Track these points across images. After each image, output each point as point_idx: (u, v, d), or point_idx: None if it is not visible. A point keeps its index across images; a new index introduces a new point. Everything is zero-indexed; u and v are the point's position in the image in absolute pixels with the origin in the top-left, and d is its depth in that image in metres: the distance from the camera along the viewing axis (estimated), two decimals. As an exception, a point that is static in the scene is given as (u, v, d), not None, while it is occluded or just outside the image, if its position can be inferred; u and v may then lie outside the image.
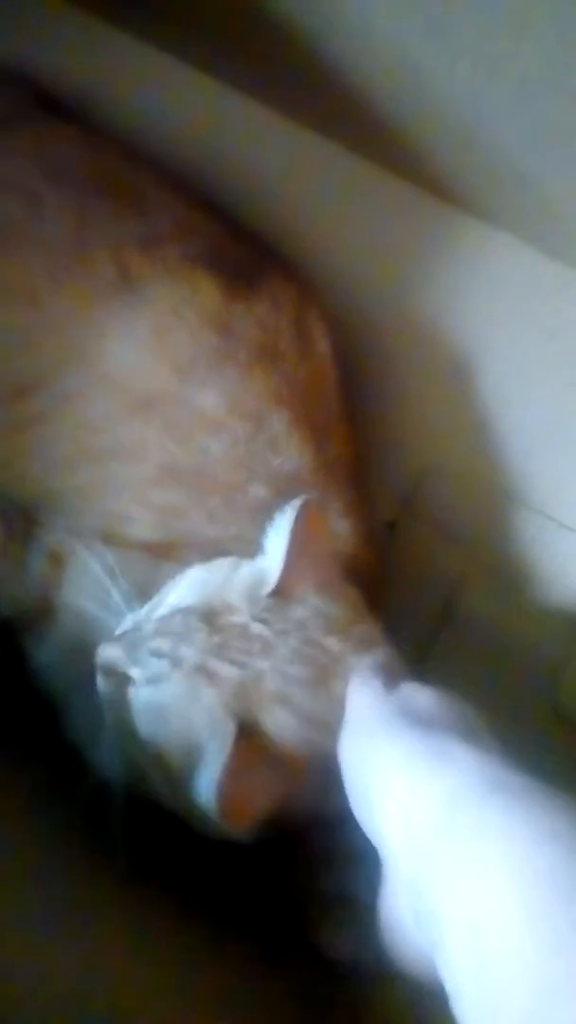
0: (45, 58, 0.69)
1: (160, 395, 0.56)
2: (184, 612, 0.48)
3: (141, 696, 0.48)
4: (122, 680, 0.48)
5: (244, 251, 0.64)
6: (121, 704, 0.49)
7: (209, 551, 0.54)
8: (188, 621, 0.48)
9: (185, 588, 0.50)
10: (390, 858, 0.39)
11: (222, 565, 0.51)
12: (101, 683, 0.49)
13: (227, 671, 0.47)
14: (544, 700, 0.69)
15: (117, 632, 0.50)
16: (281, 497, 0.56)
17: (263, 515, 0.55)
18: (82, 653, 0.53)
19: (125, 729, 0.49)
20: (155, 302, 0.57)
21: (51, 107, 0.66)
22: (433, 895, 0.34)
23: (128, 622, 0.51)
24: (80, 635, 0.54)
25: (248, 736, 0.45)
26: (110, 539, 0.55)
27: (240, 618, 0.48)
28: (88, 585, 0.54)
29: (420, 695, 0.44)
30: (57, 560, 0.56)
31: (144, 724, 0.48)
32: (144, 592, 0.53)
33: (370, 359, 0.69)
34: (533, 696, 0.68)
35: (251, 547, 0.54)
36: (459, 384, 0.71)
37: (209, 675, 0.47)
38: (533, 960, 0.29)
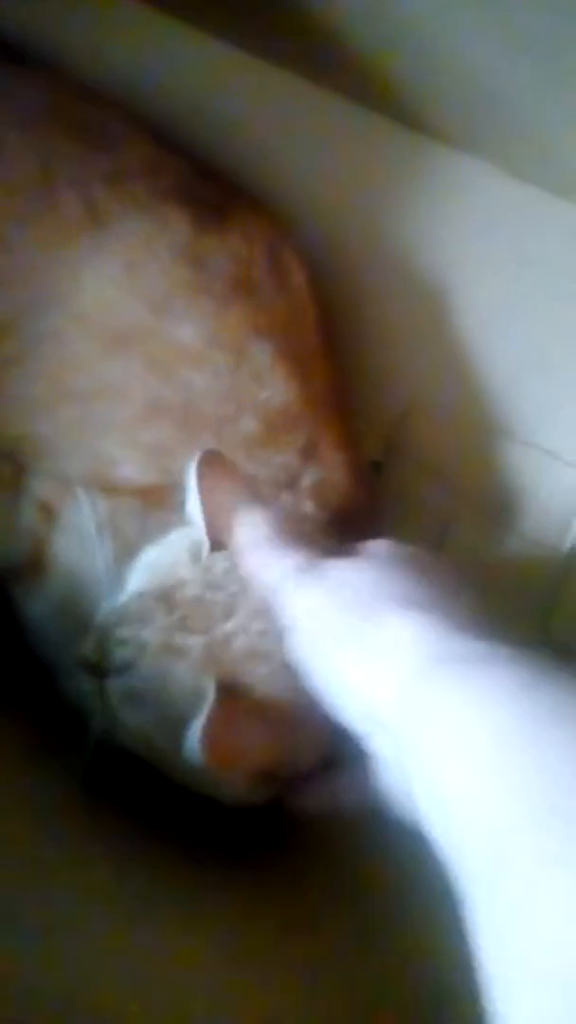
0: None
1: (137, 331, 0.55)
2: (140, 596, 0.48)
3: (115, 688, 0.47)
4: (102, 675, 0.48)
5: (213, 186, 0.62)
6: (102, 697, 0.48)
7: None
8: (144, 604, 0.47)
9: (141, 572, 0.50)
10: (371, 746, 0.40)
11: (174, 541, 0.50)
12: (83, 682, 0.49)
13: (193, 641, 0.46)
14: (536, 631, 0.69)
15: (94, 626, 0.49)
16: (272, 430, 0.55)
17: (256, 450, 0.54)
18: (74, 608, 0.52)
19: (116, 723, 0.48)
20: (125, 237, 0.56)
21: (10, 53, 0.64)
22: (412, 778, 0.34)
23: (99, 615, 0.50)
24: (71, 590, 0.53)
25: (228, 691, 0.45)
26: (100, 484, 0.54)
27: (193, 590, 0.47)
28: (79, 539, 0.53)
29: (346, 572, 0.42)
30: (48, 512, 0.54)
31: (125, 715, 0.47)
32: (134, 545, 0.51)
33: (346, 295, 0.68)
34: (525, 628, 0.68)
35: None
36: (438, 316, 0.70)
37: (176, 651, 0.46)
38: (516, 822, 0.29)
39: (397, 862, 0.44)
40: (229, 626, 0.46)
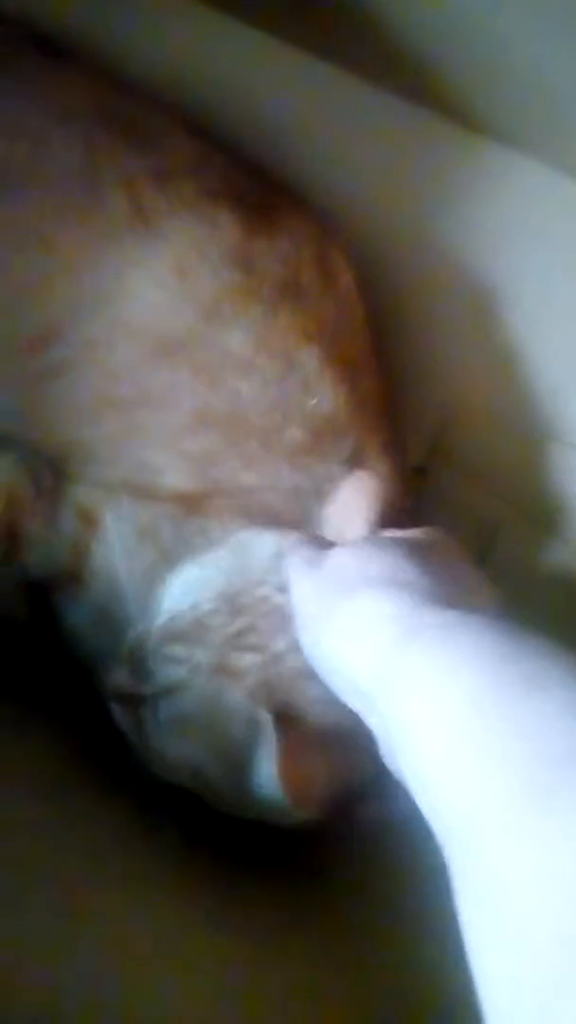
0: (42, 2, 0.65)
1: (185, 337, 0.54)
2: (192, 609, 0.47)
3: (161, 712, 0.46)
4: (135, 702, 0.47)
5: (259, 186, 0.61)
6: (140, 730, 0.47)
7: (243, 500, 0.53)
8: (199, 617, 0.46)
9: (184, 589, 0.49)
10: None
11: (220, 555, 0.50)
12: (115, 710, 0.48)
13: (247, 661, 0.45)
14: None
15: (121, 654, 0.49)
16: (319, 439, 0.54)
17: (300, 458, 0.53)
18: (113, 614, 0.52)
19: (155, 754, 0.47)
20: (174, 239, 0.55)
21: (52, 49, 0.63)
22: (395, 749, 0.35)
23: (129, 639, 0.49)
24: (111, 597, 0.52)
25: (287, 720, 0.44)
26: (141, 491, 0.53)
27: (264, 592, 0.47)
28: (120, 547, 0.52)
29: (340, 557, 0.44)
30: (89, 519, 0.54)
31: (170, 740, 0.47)
32: (171, 552, 0.51)
33: (392, 295, 0.66)
34: (572, 633, 0.67)
35: (288, 495, 0.52)
36: (485, 317, 0.68)
37: (230, 672, 0.45)
38: (492, 793, 0.29)
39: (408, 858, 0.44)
40: (283, 642, 0.45)
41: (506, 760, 0.29)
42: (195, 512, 0.53)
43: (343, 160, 0.67)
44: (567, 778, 0.27)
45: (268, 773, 0.43)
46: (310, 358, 0.55)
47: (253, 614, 0.46)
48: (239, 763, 0.45)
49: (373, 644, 0.37)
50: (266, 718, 0.44)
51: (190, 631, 0.46)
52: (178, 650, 0.46)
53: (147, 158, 0.56)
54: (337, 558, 0.44)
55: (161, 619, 0.48)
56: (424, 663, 0.34)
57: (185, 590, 0.49)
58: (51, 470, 0.54)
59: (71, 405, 0.54)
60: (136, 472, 0.53)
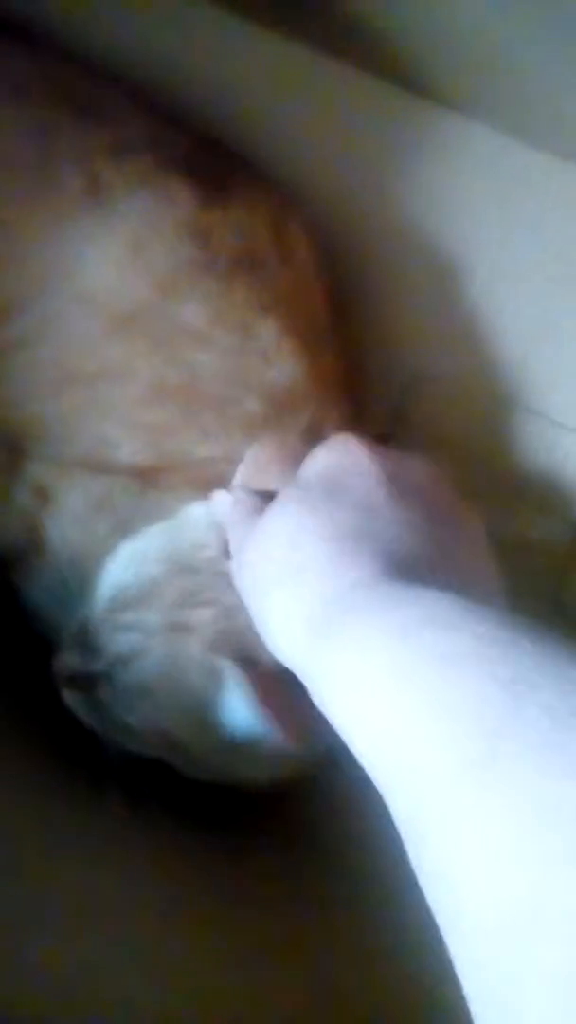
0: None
1: (142, 311, 0.54)
2: (136, 579, 0.47)
3: (119, 684, 0.46)
4: (89, 683, 0.47)
5: (216, 159, 0.61)
6: (99, 708, 0.47)
7: (199, 472, 0.53)
8: (146, 583, 0.47)
9: (122, 564, 0.49)
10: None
11: (152, 531, 0.50)
12: (68, 697, 0.48)
13: (200, 616, 0.46)
14: (549, 603, 0.68)
15: (66, 638, 0.49)
16: (276, 411, 0.54)
17: (257, 430, 0.54)
18: (71, 588, 0.52)
19: (117, 729, 0.48)
20: (128, 214, 0.55)
21: (3, 28, 0.62)
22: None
23: (72, 626, 0.49)
24: (69, 570, 0.53)
25: (248, 663, 0.45)
26: (97, 466, 0.54)
27: (209, 553, 0.47)
28: (74, 519, 0.53)
29: (257, 547, 0.43)
30: (43, 493, 0.54)
31: (135, 711, 0.47)
32: (129, 525, 0.52)
33: (352, 266, 0.67)
34: (537, 599, 0.67)
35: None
36: (446, 286, 0.69)
37: (184, 628, 0.46)
38: (431, 774, 0.28)
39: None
40: (233, 598, 0.45)
41: (434, 739, 0.28)
42: (151, 485, 0.53)
43: (301, 133, 0.67)
44: (502, 750, 0.26)
45: (244, 717, 0.44)
46: (267, 330, 0.55)
47: (200, 573, 0.47)
48: (209, 716, 0.46)
49: (295, 644, 0.38)
50: (227, 664, 0.44)
51: (138, 597, 0.47)
52: (128, 617, 0.47)
53: (101, 134, 0.56)
54: (251, 550, 0.43)
55: (105, 593, 0.48)
56: (335, 653, 0.34)
57: (126, 563, 0.49)
58: (6, 447, 0.54)
59: (28, 381, 0.54)
60: (92, 447, 0.54)
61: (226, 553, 0.47)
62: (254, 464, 0.49)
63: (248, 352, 0.55)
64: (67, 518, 0.53)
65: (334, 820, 0.55)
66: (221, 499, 0.49)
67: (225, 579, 0.46)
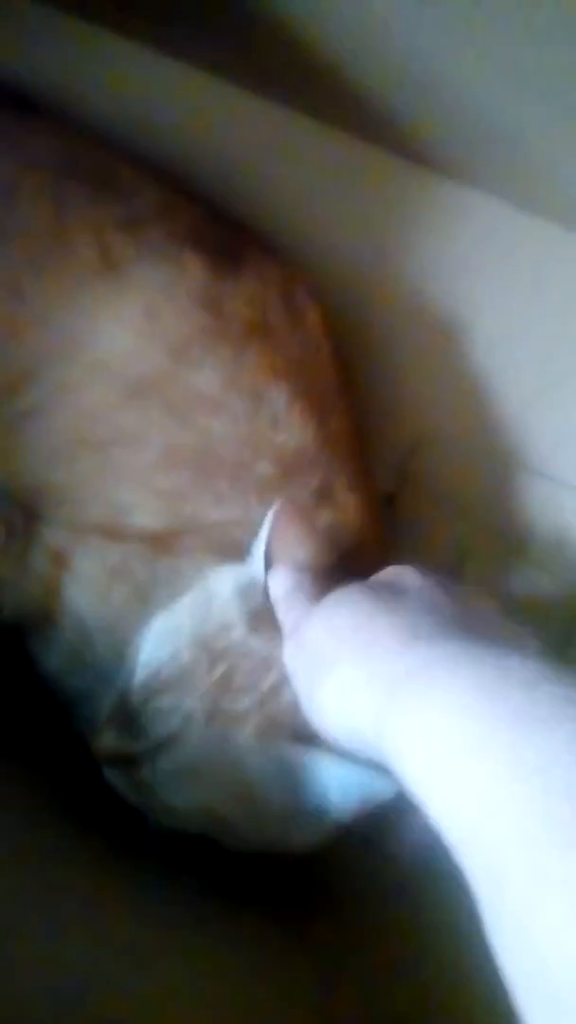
0: (7, 55, 0.67)
1: (156, 378, 0.55)
2: (170, 659, 0.47)
3: (162, 766, 0.47)
4: (131, 762, 0.47)
5: (224, 230, 0.62)
6: (140, 787, 0.48)
7: (214, 536, 0.54)
8: (180, 666, 0.47)
9: (157, 641, 0.49)
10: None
11: (184, 603, 0.50)
12: (110, 775, 0.48)
13: (243, 704, 0.46)
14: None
15: (104, 716, 0.49)
16: (288, 473, 0.55)
17: (270, 493, 0.54)
18: (88, 655, 0.52)
19: (158, 808, 0.48)
20: (143, 283, 0.56)
21: (17, 102, 0.64)
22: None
23: (110, 699, 0.49)
24: (85, 637, 0.53)
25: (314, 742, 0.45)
26: (112, 532, 0.54)
27: (238, 632, 0.47)
28: (91, 585, 0.53)
29: (314, 630, 0.45)
30: (59, 560, 0.54)
31: (180, 792, 0.47)
32: (145, 591, 0.52)
33: (358, 330, 0.68)
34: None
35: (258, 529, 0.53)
36: (448, 349, 0.70)
37: (229, 718, 0.46)
38: (506, 836, 0.28)
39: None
40: (272, 678, 0.46)
41: (516, 801, 0.28)
42: (166, 551, 0.53)
43: (304, 201, 0.69)
44: None
45: (340, 784, 0.44)
46: (279, 394, 0.56)
47: (231, 657, 0.47)
48: (262, 797, 0.46)
49: (361, 712, 0.38)
50: (297, 752, 0.45)
51: (174, 681, 0.47)
52: (166, 702, 0.46)
53: (114, 206, 0.58)
54: (311, 629, 0.45)
55: (141, 673, 0.48)
56: (408, 715, 0.35)
57: (160, 641, 0.49)
58: (22, 513, 0.55)
59: (43, 448, 0.55)
60: (107, 512, 0.54)
61: (254, 628, 0.48)
62: (273, 529, 0.49)
63: (260, 416, 0.55)
64: (83, 585, 0.53)
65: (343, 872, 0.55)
66: (281, 579, 0.50)
67: (256, 661, 0.47)
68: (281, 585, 0.50)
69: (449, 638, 0.39)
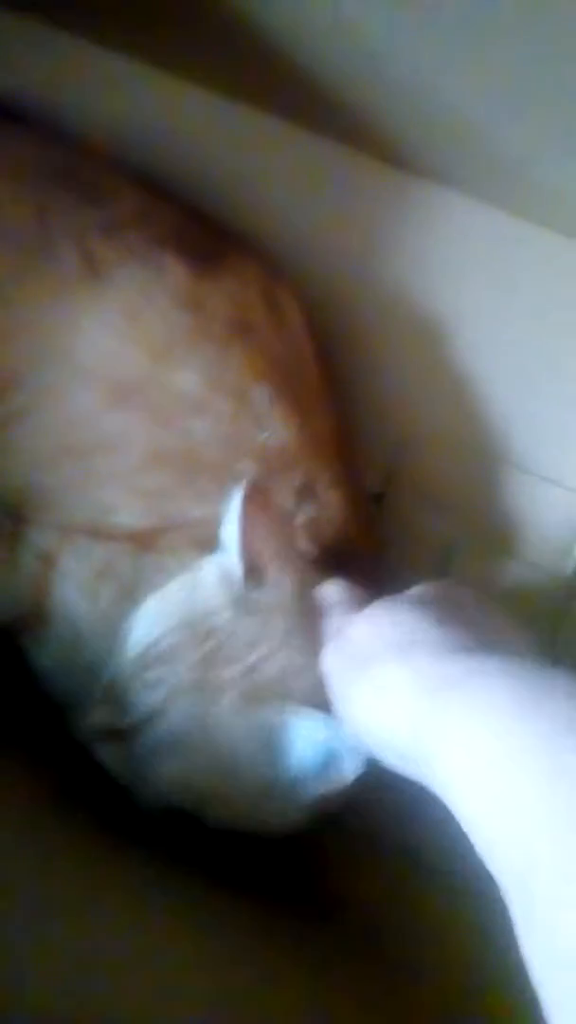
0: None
1: (138, 380, 0.56)
2: (161, 636, 0.48)
3: (150, 739, 0.48)
4: (121, 737, 0.48)
5: (205, 232, 0.63)
6: (129, 763, 0.48)
7: (197, 533, 0.54)
8: (169, 644, 0.48)
9: (150, 617, 0.50)
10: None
11: (173, 588, 0.51)
12: (100, 751, 0.49)
13: (227, 673, 0.47)
14: (544, 653, 0.69)
15: (97, 695, 0.50)
16: (270, 471, 0.56)
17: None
18: (79, 654, 0.53)
19: (148, 783, 0.48)
20: (123, 286, 0.57)
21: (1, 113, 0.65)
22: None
23: (103, 678, 0.50)
24: (75, 637, 0.54)
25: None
26: (97, 531, 0.55)
27: (224, 616, 0.48)
28: (78, 585, 0.54)
29: (358, 628, 0.46)
30: (47, 560, 0.55)
31: (165, 764, 0.48)
32: (132, 588, 0.53)
33: (341, 331, 0.69)
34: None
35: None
36: (432, 348, 0.71)
37: (212, 687, 0.47)
38: (537, 835, 0.29)
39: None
40: (255, 655, 0.47)
41: (552, 807, 0.29)
42: (150, 548, 0.54)
43: (287, 203, 0.70)
44: None
45: (315, 745, 0.45)
46: (261, 394, 0.57)
47: (218, 635, 0.48)
48: (243, 766, 0.46)
49: (398, 710, 0.39)
50: (279, 708, 0.46)
51: (162, 656, 0.48)
52: (153, 675, 0.47)
53: (95, 212, 0.58)
54: (356, 629, 0.46)
55: (131, 651, 0.49)
56: (449, 718, 0.36)
57: (149, 622, 0.50)
58: (10, 516, 0.55)
59: (29, 452, 0.56)
60: (92, 513, 0.55)
61: (239, 613, 0.49)
62: (241, 514, 0.50)
63: (242, 416, 0.56)
64: (71, 584, 0.54)
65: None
66: (332, 591, 0.51)
67: (242, 640, 0.47)
68: (332, 597, 0.51)
69: (492, 652, 0.40)
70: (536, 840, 0.29)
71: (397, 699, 0.39)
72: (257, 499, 0.50)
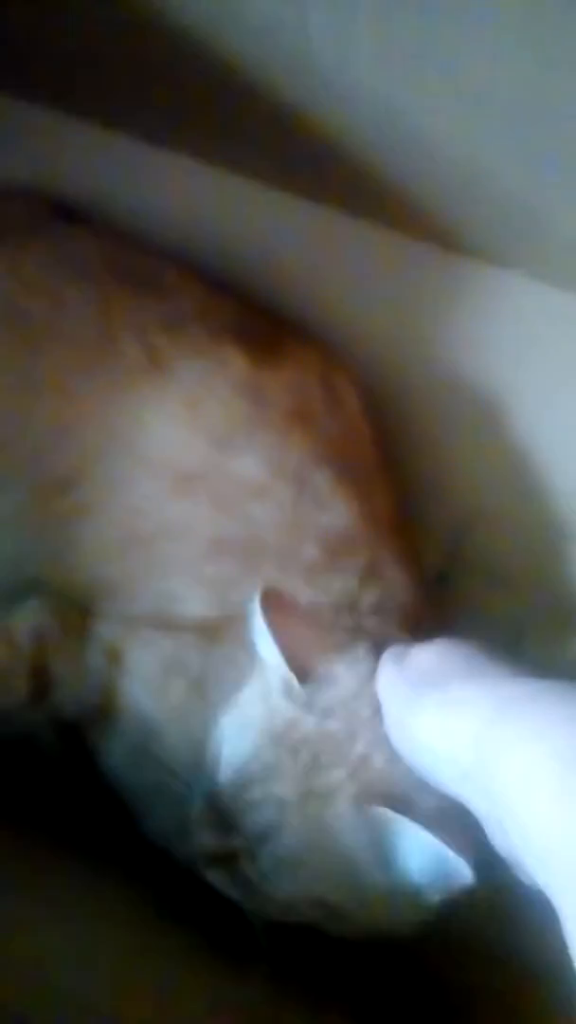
0: (48, 169, 0.71)
1: (201, 469, 0.56)
2: (251, 758, 0.47)
3: (263, 859, 0.46)
4: (231, 860, 0.47)
5: (264, 323, 0.65)
6: (243, 884, 0.47)
7: None
8: (263, 762, 0.46)
9: (233, 742, 0.48)
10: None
11: (247, 705, 0.49)
12: (211, 876, 0.48)
13: (334, 778, 0.45)
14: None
15: (195, 817, 0.48)
16: (333, 555, 0.56)
17: (316, 576, 0.55)
18: (149, 751, 0.52)
19: (260, 900, 0.47)
20: (185, 378, 0.58)
21: (63, 214, 0.68)
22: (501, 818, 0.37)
23: (199, 798, 0.48)
24: (145, 733, 0.53)
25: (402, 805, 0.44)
26: (164, 621, 0.55)
27: (308, 723, 0.47)
28: (147, 680, 0.54)
29: (423, 653, 0.46)
30: (115, 655, 0.55)
31: (284, 882, 0.46)
32: (200, 684, 0.52)
33: (401, 414, 0.69)
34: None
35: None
36: (492, 428, 0.71)
37: (321, 794, 0.45)
38: None
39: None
40: (359, 748, 0.45)
41: None
42: (218, 639, 0.54)
43: (341, 294, 0.71)
44: None
45: (423, 851, 0.43)
46: (322, 478, 0.57)
47: (311, 744, 0.46)
48: (366, 872, 0.45)
49: (464, 723, 0.39)
50: (386, 811, 0.43)
51: (260, 775, 0.46)
52: (257, 794, 0.46)
53: (157, 307, 0.60)
54: (421, 655, 0.47)
55: (225, 772, 0.47)
56: (513, 729, 0.37)
57: (234, 743, 0.48)
58: (76, 609, 0.55)
59: (94, 544, 0.56)
60: (158, 602, 0.55)
61: (321, 714, 0.47)
62: (269, 619, 0.48)
63: (304, 501, 0.56)
64: (140, 680, 0.53)
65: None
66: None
67: (337, 739, 0.46)
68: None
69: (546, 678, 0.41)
70: None
71: (465, 712, 0.40)
72: (276, 602, 0.48)
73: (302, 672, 0.47)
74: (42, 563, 0.57)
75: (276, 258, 0.71)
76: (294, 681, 0.47)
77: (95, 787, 0.55)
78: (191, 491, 0.56)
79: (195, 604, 0.55)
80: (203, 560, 0.55)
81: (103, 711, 0.54)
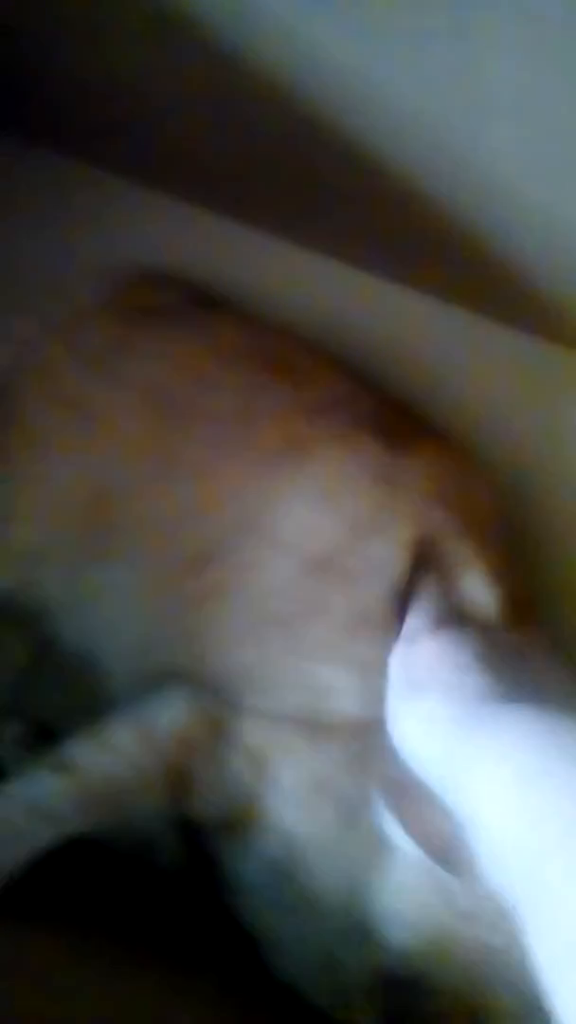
0: (194, 261, 0.74)
1: (335, 551, 0.56)
2: (429, 943, 0.44)
3: None
4: None
5: (400, 416, 0.65)
6: None
7: None
8: (438, 949, 0.44)
9: (401, 921, 0.45)
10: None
11: (408, 885, 0.46)
12: None
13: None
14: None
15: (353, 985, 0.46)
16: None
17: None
18: (292, 876, 0.49)
19: None
20: (321, 462, 0.58)
21: (207, 301, 0.70)
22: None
23: (361, 974, 0.46)
24: (288, 855, 0.49)
25: None
26: (313, 725, 0.52)
27: (470, 943, 0.44)
28: (295, 799, 0.50)
29: (420, 652, 0.50)
30: (258, 763, 0.51)
31: None
32: (351, 811, 0.49)
33: (535, 514, 0.70)
34: None
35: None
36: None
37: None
38: (546, 847, 0.35)
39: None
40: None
41: (562, 837, 0.35)
42: (370, 750, 0.50)
43: (477, 394, 0.72)
44: None
45: None
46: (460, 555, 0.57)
47: (480, 920, 0.43)
48: None
49: (437, 741, 0.44)
50: None
51: (428, 955, 0.44)
52: (435, 982, 0.43)
53: (298, 395, 0.61)
54: (421, 651, 0.50)
55: (393, 953, 0.45)
56: (477, 757, 0.41)
57: (402, 922, 0.45)
58: (217, 703, 0.53)
59: (228, 628, 0.55)
60: (306, 696, 0.53)
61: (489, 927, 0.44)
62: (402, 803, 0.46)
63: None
64: (286, 795, 0.50)
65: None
66: (431, 588, 0.54)
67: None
68: (428, 593, 0.52)
69: (529, 702, 0.45)
70: (545, 848, 0.35)
71: (437, 731, 0.44)
72: (400, 788, 0.46)
73: (443, 860, 0.43)
74: (174, 647, 0.56)
75: (415, 355, 0.72)
76: (443, 873, 0.43)
77: (214, 907, 0.52)
78: (325, 572, 0.55)
79: (348, 697, 0.52)
80: (343, 638, 0.54)
81: (243, 822, 0.51)
